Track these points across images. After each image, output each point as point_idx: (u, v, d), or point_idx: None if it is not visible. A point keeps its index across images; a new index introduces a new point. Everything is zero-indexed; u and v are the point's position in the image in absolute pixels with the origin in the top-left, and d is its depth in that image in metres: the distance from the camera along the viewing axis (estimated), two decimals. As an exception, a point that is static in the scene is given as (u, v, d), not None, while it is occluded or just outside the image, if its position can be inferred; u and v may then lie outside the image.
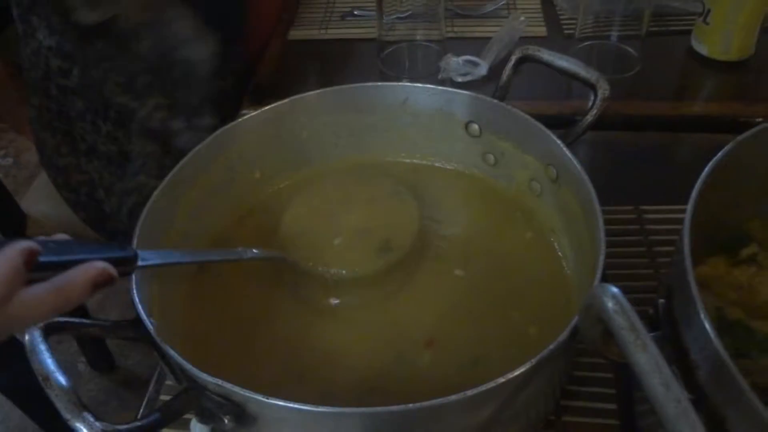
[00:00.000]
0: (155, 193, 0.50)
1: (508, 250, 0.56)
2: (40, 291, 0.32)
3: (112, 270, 0.35)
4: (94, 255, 0.35)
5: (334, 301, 0.53)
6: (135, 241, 0.46)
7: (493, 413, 0.40)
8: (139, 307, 0.42)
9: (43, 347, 0.38)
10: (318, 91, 0.60)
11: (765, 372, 0.43)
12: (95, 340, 1.36)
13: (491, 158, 0.61)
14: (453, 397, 0.36)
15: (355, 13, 0.97)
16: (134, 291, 0.43)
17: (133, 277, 0.43)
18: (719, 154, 0.43)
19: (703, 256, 0.49)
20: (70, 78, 0.83)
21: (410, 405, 0.35)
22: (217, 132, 0.56)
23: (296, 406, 0.36)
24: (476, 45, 0.86)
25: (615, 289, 0.36)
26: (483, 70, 0.82)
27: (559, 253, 0.55)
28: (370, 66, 0.88)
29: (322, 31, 0.95)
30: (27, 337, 0.38)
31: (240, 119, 0.58)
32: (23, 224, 1.10)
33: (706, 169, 0.42)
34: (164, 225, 0.51)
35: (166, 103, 0.84)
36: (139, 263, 0.39)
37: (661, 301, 0.44)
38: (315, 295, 0.53)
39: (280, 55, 0.93)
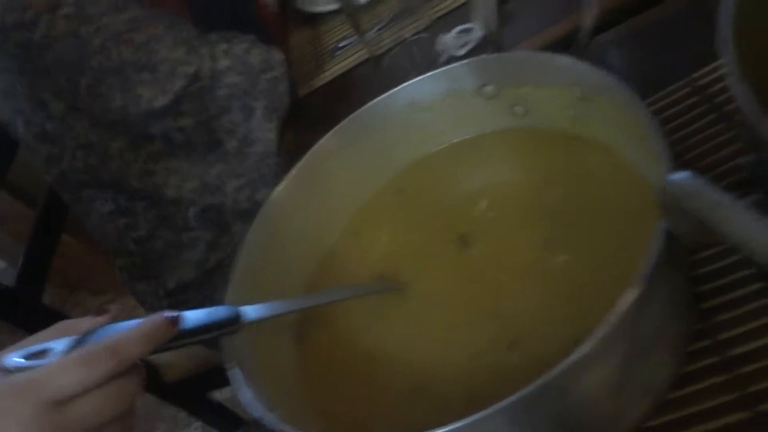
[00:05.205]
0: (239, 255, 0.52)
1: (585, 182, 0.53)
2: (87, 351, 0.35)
3: (171, 319, 0.39)
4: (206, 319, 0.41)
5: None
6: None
7: (623, 355, 0.37)
8: (256, 405, 0.42)
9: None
10: (326, 136, 0.59)
11: None
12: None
13: (520, 109, 0.58)
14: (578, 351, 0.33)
15: (340, 45, 0.97)
16: (243, 392, 0.43)
17: (236, 376, 0.44)
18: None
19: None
20: (140, 228, 0.88)
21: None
22: (259, 214, 0.57)
23: None
24: (465, 11, 0.82)
25: (681, 174, 0.32)
26: (478, 32, 0.79)
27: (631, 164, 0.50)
28: (378, 84, 0.87)
29: (322, 76, 0.96)
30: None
31: (274, 191, 0.58)
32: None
33: None
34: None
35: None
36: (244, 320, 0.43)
37: (748, 158, 0.40)
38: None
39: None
